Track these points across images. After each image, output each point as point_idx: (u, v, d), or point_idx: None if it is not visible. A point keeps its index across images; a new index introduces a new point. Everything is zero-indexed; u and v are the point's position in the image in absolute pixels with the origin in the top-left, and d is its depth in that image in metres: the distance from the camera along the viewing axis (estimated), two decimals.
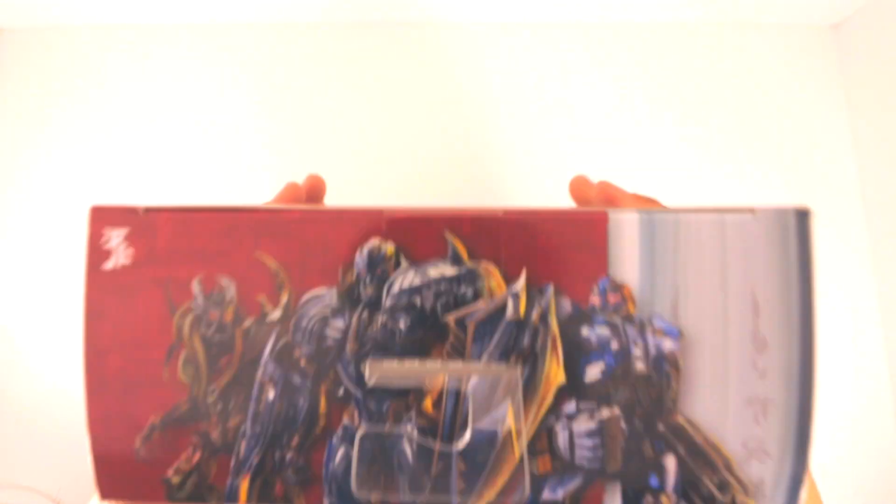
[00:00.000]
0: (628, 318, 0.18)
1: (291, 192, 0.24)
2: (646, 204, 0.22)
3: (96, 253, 0.20)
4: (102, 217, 0.20)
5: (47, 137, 0.54)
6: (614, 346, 0.18)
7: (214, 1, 0.53)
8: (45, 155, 0.54)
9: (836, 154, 0.54)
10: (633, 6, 0.53)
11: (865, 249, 0.52)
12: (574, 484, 0.18)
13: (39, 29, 0.56)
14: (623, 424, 0.18)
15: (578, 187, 0.25)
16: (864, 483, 0.47)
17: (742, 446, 0.17)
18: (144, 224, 0.20)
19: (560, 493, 0.18)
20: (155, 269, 0.19)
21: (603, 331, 0.18)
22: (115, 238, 0.20)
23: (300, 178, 0.25)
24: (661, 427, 0.17)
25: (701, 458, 0.17)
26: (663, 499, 0.18)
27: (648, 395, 0.17)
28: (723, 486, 0.17)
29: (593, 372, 0.18)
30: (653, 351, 0.17)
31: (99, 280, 0.19)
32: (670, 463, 0.17)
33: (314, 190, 0.26)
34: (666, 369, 0.17)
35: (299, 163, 0.54)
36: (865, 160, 0.53)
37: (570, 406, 0.18)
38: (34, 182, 0.54)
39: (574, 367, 0.18)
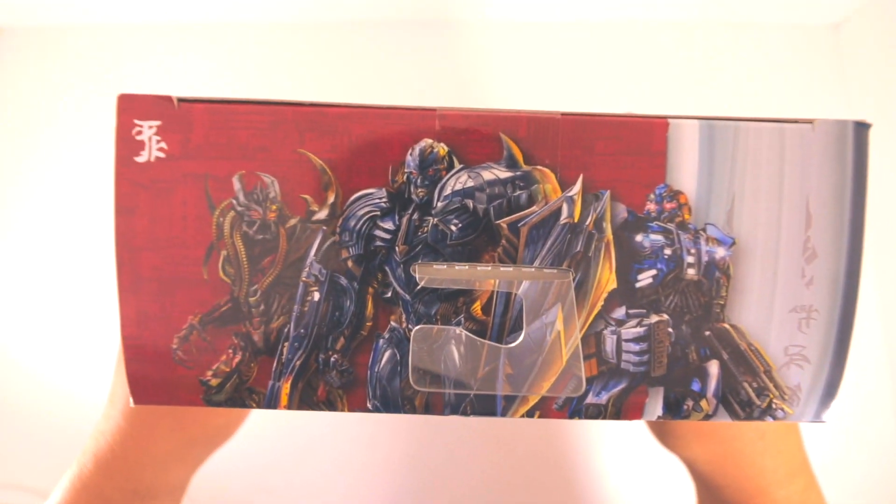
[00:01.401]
0: (683, 226, 0.18)
1: None
2: None
3: (126, 144, 0.18)
4: (132, 107, 0.18)
5: (47, 137, 0.54)
6: (667, 252, 0.18)
7: (214, 1, 0.52)
8: (46, 155, 0.53)
9: None
10: (633, 6, 0.52)
11: (865, 249, 0.52)
12: (618, 388, 0.18)
13: (39, 29, 0.55)
14: (670, 330, 0.18)
15: None
16: (864, 483, 0.48)
17: (783, 352, 0.18)
18: (179, 117, 0.18)
19: (604, 397, 0.18)
20: (191, 165, 0.18)
21: (657, 237, 0.18)
22: (147, 130, 0.18)
23: None
24: (707, 333, 0.18)
25: (743, 364, 0.18)
26: (703, 403, 0.18)
27: (698, 302, 0.18)
28: (761, 391, 0.18)
29: (645, 278, 0.18)
30: (705, 258, 0.18)
31: (130, 173, 0.18)
32: (713, 368, 0.18)
33: None
34: (717, 276, 0.18)
35: None
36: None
37: (619, 311, 0.18)
38: (34, 182, 0.53)
39: (626, 273, 0.18)
